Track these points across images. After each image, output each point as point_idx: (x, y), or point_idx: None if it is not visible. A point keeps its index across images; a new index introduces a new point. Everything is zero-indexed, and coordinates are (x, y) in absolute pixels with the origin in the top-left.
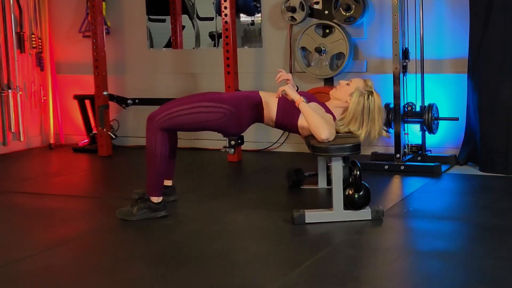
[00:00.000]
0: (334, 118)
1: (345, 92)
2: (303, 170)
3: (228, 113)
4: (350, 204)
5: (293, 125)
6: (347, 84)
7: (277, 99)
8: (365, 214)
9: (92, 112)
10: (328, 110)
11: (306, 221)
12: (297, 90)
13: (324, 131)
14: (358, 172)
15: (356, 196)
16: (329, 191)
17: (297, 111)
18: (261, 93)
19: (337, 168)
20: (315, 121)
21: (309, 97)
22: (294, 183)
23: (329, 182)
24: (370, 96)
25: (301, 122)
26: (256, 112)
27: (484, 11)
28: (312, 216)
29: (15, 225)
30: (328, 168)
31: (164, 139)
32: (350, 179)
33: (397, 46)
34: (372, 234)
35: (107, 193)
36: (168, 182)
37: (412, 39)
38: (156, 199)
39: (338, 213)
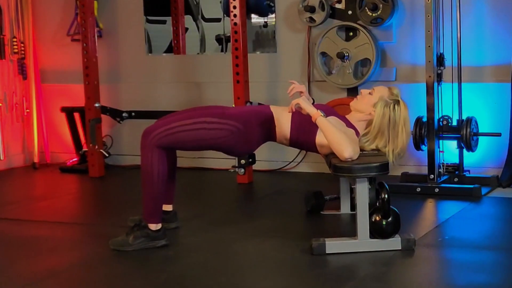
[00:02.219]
0: (358, 133)
1: (368, 103)
2: (323, 193)
3: (235, 131)
4: (377, 232)
5: (310, 142)
6: (370, 93)
7: (290, 114)
8: (394, 243)
9: (82, 126)
10: (350, 125)
11: (327, 252)
12: (313, 103)
13: (347, 149)
14: (386, 196)
15: (384, 223)
16: (353, 217)
17: (314, 127)
18: (273, 108)
19: (362, 191)
20: (336, 137)
21: (327, 110)
22: (313, 208)
23: (352, 207)
24: (396, 106)
25: (320, 139)
26: (267, 129)
27: None
28: (333, 245)
29: None
30: (352, 191)
31: (162, 158)
32: (377, 204)
33: (430, 51)
34: (402, 267)
35: (99, 220)
36: (168, 207)
37: (448, 44)
38: (154, 226)
39: (363, 242)
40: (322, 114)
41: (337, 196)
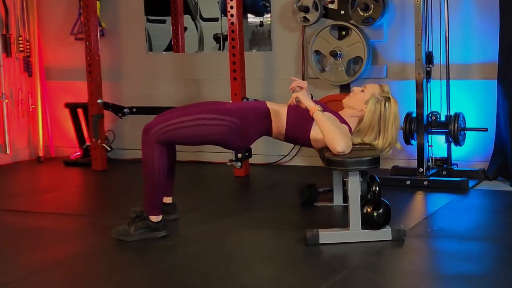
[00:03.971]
0: (350, 129)
1: (360, 100)
2: (317, 185)
3: (233, 126)
4: (368, 223)
5: (305, 137)
6: (362, 90)
7: (286, 110)
8: (385, 234)
9: (85, 122)
10: (342, 120)
11: (320, 242)
12: (311, 99)
13: (340, 143)
14: (377, 188)
15: (375, 214)
16: (346, 209)
17: (309, 123)
18: (269, 104)
19: (354, 183)
20: (330, 131)
21: (323, 106)
22: (307, 200)
23: (345, 199)
24: (387, 102)
25: (314, 134)
26: (263, 124)
27: None
28: (326, 236)
29: (0, 246)
30: (345, 184)
31: (162, 153)
32: (369, 196)
33: (420, 49)
34: (392, 256)
35: (101, 211)
36: (167, 199)
37: (436, 42)
38: (155, 218)
39: (355, 233)
40: (320, 109)
41: (330, 188)
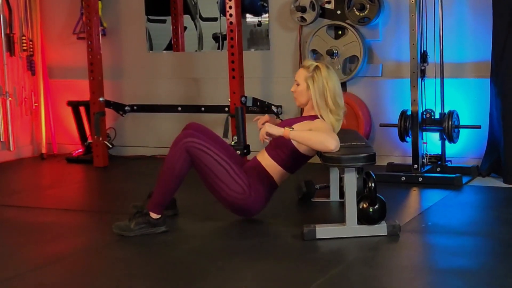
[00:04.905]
0: (322, 118)
1: (303, 92)
2: (314, 182)
3: (247, 194)
4: (364, 218)
5: (293, 151)
6: (297, 85)
7: (265, 153)
8: (381, 229)
9: (87, 119)
10: (312, 118)
11: (317, 237)
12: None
13: (330, 142)
14: (373, 184)
15: (371, 210)
16: (342, 205)
17: (286, 126)
18: (259, 157)
19: (351, 180)
20: (314, 140)
21: (289, 122)
22: (304, 196)
23: (341, 195)
24: (316, 72)
25: (294, 142)
26: (269, 185)
27: (509, 11)
28: (323, 231)
29: (3, 241)
30: (341, 180)
31: (188, 161)
32: (365, 192)
33: (414, 48)
34: (387, 251)
35: (103, 207)
36: None
37: (431, 42)
38: (155, 216)
39: (351, 228)
40: (290, 129)
41: (327, 185)
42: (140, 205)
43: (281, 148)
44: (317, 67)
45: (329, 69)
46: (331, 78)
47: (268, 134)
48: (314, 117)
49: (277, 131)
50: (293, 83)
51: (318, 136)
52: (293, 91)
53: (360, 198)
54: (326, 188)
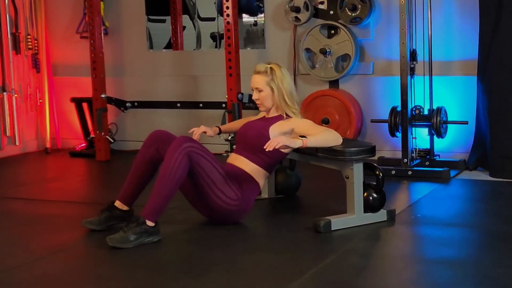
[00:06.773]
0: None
1: (267, 97)
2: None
3: (240, 200)
4: (369, 207)
5: (279, 154)
6: (259, 91)
7: (246, 160)
8: (382, 215)
9: (90, 115)
10: (278, 119)
11: (332, 229)
12: (219, 132)
13: (338, 136)
14: (381, 174)
15: (374, 197)
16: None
17: (263, 129)
18: (236, 163)
19: (359, 172)
20: (329, 139)
21: (255, 125)
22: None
23: (277, 191)
24: (272, 73)
25: (273, 131)
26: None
27: (495, 11)
28: (337, 223)
29: (9, 232)
30: (276, 177)
31: (187, 166)
32: (363, 183)
33: (404, 47)
34: (379, 242)
35: (105, 199)
36: (124, 207)
37: (420, 41)
38: (151, 224)
39: (359, 217)
40: (302, 139)
41: None
42: (109, 204)
43: (264, 152)
44: (271, 69)
45: (281, 68)
46: (285, 76)
47: (286, 147)
48: (280, 117)
49: (295, 143)
50: None
51: (328, 135)
52: (256, 99)
53: (364, 189)
54: None
